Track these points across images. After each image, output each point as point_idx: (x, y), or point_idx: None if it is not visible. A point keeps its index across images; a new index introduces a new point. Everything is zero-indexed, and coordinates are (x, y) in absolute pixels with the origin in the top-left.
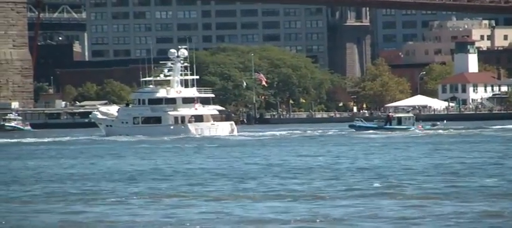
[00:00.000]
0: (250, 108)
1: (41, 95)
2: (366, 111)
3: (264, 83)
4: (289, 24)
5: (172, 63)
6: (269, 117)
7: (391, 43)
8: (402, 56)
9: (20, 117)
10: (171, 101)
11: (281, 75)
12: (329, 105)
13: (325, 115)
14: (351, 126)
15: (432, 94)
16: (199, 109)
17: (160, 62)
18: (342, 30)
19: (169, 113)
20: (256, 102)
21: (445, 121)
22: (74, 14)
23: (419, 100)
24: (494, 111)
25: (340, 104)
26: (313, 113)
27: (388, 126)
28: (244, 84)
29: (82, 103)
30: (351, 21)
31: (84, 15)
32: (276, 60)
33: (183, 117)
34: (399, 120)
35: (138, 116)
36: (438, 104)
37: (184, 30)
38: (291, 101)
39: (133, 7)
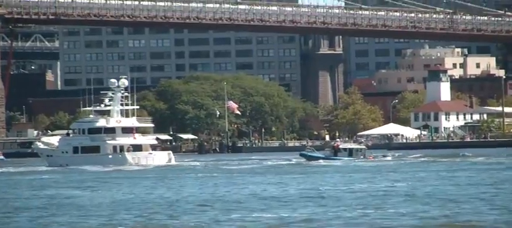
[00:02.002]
0: (222, 137)
1: (13, 124)
2: (339, 140)
3: (236, 111)
4: (262, 53)
5: (112, 93)
6: (242, 145)
7: (364, 71)
8: (375, 84)
9: None
10: (110, 131)
11: (254, 104)
12: (302, 134)
13: (297, 143)
14: (301, 155)
15: (404, 122)
16: (138, 139)
17: (101, 92)
18: (314, 58)
19: (107, 142)
20: (228, 131)
21: (396, 154)
22: (46, 43)
23: (391, 128)
24: (466, 140)
25: (314, 133)
26: (285, 141)
27: (336, 157)
28: (217, 113)
29: (54, 132)
30: (324, 50)
31: (57, 44)
32: (249, 88)
33: (121, 147)
34: (350, 152)
35: (77, 146)
36: (410, 132)
37: (157, 58)
38: (263, 130)
39: (106, 36)
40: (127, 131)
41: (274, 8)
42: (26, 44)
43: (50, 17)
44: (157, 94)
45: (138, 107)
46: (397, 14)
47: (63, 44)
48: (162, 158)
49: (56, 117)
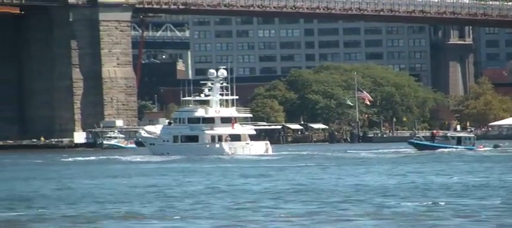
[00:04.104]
0: (353, 127)
1: (145, 113)
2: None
3: (367, 101)
4: (392, 43)
5: (212, 84)
6: (372, 135)
7: (494, 61)
8: (506, 74)
9: (122, 136)
10: (209, 120)
11: (384, 94)
12: (432, 124)
13: (428, 133)
14: (410, 143)
15: None
16: (237, 129)
17: (201, 82)
18: (444, 48)
19: (206, 131)
20: (359, 121)
21: (506, 143)
22: (177, 32)
23: None
24: None
25: (445, 123)
26: (416, 131)
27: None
28: (349, 102)
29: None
30: (454, 40)
31: (187, 33)
32: (379, 78)
33: (219, 136)
34: (458, 140)
35: (178, 135)
36: None
37: (287, 48)
38: (394, 120)
39: (236, 26)
40: (226, 120)
41: None
42: (157, 33)
43: (180, 6)
44: (288, 84)
45: (237, 96)
46: None
47: (193, 33)
48: (259, 148)
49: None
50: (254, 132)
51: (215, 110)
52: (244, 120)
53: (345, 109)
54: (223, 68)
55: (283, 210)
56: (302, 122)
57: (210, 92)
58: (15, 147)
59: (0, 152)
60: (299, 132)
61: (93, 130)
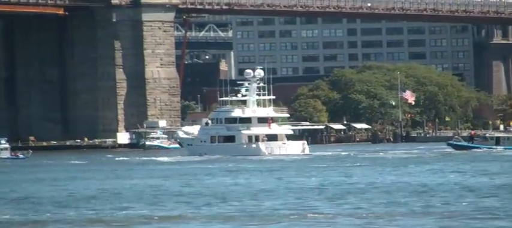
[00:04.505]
0: (396, 127)
1: (188, 114)
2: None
3: (411, 100)
4: (435, 42)
5: (248, 84)
6: (415, 135)
7: None
8: None
9: (165, 136)
10: (246, 120)
11: (427, 94)
12: (475, 123)
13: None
14: (448, 145)
15: None
16: (274, 128)
17: (238, 82)
18: (488, 48)
19: (243, 132)
20: (402, 121)
21: None
22: (220, 32)
23: None
24: None
25: (488, 122)
26: (459, 131)
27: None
28: (392, 102)
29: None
30: (497, 39)
31: (230, 34)
32: (422, 78)
33: (256, 136)
34: (497, 140)
35: (215, 135)
36: None
37: (330, 48)
38: (437, 119)
39: (279, 26)
40: (263, 120)
41: None
42: (200, 34)
43: (223, 7)
44: (331, 84)
45: (274, 96)
46: None
47: (236, 34)
48: (295, 148)
49: None
50: (291, 132)
51: (252, 110)
52: (283, 120)
53: (388, 109)
54: (260, 68)
55: (330, 210)
56: (345, 122)
57: (247, 92)
58: (59, 148)
59: (44, 152)
60: (342, 132)
61: (136, 130)
